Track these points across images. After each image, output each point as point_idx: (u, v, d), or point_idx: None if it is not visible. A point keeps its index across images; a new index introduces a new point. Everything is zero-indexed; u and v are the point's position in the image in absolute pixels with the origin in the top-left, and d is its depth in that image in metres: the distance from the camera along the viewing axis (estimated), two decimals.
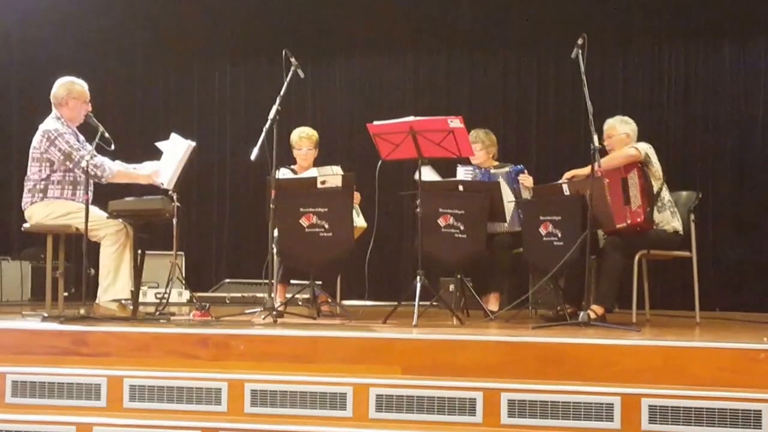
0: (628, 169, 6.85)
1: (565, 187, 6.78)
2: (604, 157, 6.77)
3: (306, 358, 5.41)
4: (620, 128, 7.19)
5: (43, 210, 6.86)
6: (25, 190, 6.96)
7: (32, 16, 10.62)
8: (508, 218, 7.44)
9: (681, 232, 7.06)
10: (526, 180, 7.58)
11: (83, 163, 6.63)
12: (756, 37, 10.17)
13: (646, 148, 6.95)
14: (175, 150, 7.20)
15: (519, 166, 7.77)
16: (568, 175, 7.08)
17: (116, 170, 6.93)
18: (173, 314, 7.09)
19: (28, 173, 6.96)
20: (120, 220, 6.73)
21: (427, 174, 7.36)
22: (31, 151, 6.94)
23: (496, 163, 7.93)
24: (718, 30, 10.23)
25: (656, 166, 6.98)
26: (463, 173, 7.77)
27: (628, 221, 6.72)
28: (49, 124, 6.95)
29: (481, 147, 7.82)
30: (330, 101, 11.22)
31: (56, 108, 7.05)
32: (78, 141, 7.06)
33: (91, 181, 6.69)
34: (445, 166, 7.74)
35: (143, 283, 7.53)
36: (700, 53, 10.36)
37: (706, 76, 10.31)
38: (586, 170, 6.81)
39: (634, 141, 7.15)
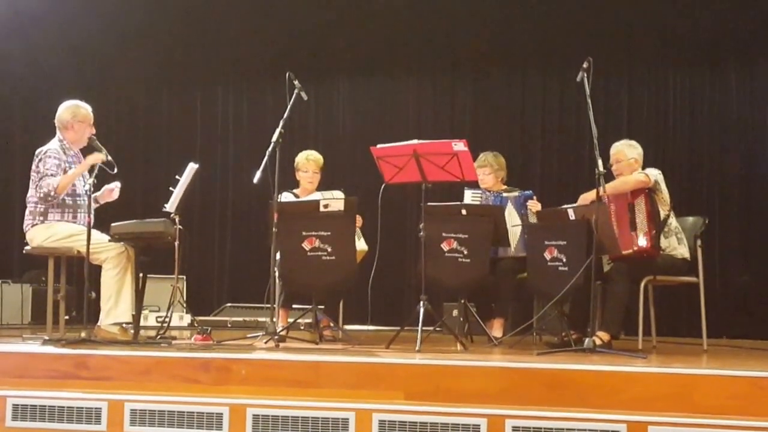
0: (636, 194, 6.82)
1: (570, 211, 6.73)
2: (608, 181, 6.71)
3: (308, 383, 5.36)
4: (628, 153, 7.13)
5: (45, 232, 6.84)
6: (26, 212, 6.96)
7: (36, 42, 10.63)
8: (514, 243, 7.40)
9: (688, 259, 7.01)
10: (535, 206, 7.52)
11: (41, 191, 6.75)
12: (762, 61, 10.16)
13: (655, 174, 6.90)
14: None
15: (528, 192, 7.73)
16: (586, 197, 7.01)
17: (57, 180, 6.81)
18: (174, 338, 7.04)
19: (28, 196, 6.94)
20: (122, 243, 6.70)
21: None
22: (31, 174, 6.93)
23: (505, 187, 7.88)
24: (724, 54, 10.24)
25: (665, 192, 6.94)
26: (470, 197, 7.72)
27: (635, 248, 6.68)
28: (46, 145, 6.95)
29: (489, 171, 7.79)
30: (333, 124, 11.24)
31: (60, 131, 7.07)
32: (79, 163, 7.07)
33: (92, 204, 6.65)
34: (448, 188, 7.71)
35: (144, 306, 7.48)
36: (706, 77, 10.35)
37: (711, 100, 10.31)
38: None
39: (641, 165, 7.11)
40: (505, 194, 7.72)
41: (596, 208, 6.35)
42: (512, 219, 7.46)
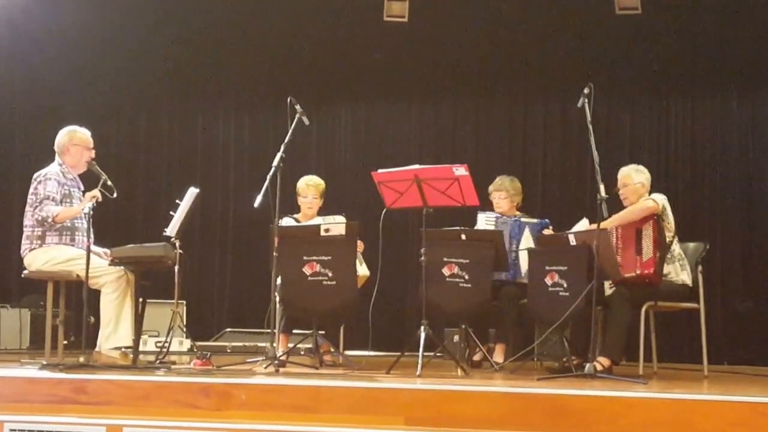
0: (645, 220, 6.80)
1: (571, 237, 6.73)
2: (610, 205, 6.68)
3: (308, 408, 5.33)
4: (636, 177, 7.13)
5: (43, 256, 6.84)
6: (24, 236, 6.96)
7: (36, 66, 10.66)
8: (525, 267, 7.39)
9: (689, 285, 6.99)
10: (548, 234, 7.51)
11: (39, 215, 6.76)
12: (763, 87, 10.18)
13: (663, 200, 6.90)
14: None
15: (546, 221, 7.71)
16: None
17: (58, 210, 6.85)
18: (174, 363, 7.01)
19: (25, 220, 6.94)
20: (121, 267, 6.68)
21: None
22: (29, 197, 6.94)
23: (519, 213, 7.86)
24: (726, 79, 10.26)
25: (670, 218, 6.93)
26: (484, 221, 7.71)
27: (637, 271, 6.66)
28: (45, 169, 6.96)
29: (505, 195, 7.80)
30: (334, 149, 11.23)
31: (59, 156, 7.10)
32: (79, 189, 7.07)
33: (91, 228, 6.63)
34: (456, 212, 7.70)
35: (144, 331, 7.46)
36: (707, 103, 10.38)
37: (713, 126, 10.33)
38: (610, 220, 6.76)
39: (647, 190, 7.11)
40: (523, 219, 7.70)
41: (597, 234, 6.35)
42: (527, 245, 7.45)
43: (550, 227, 7.66)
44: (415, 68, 10.84)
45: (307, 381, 5.63)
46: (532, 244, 7.51)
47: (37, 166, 7.16)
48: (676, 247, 6.99)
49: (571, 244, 6.68)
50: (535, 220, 7.73)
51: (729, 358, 9.08)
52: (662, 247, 6.79)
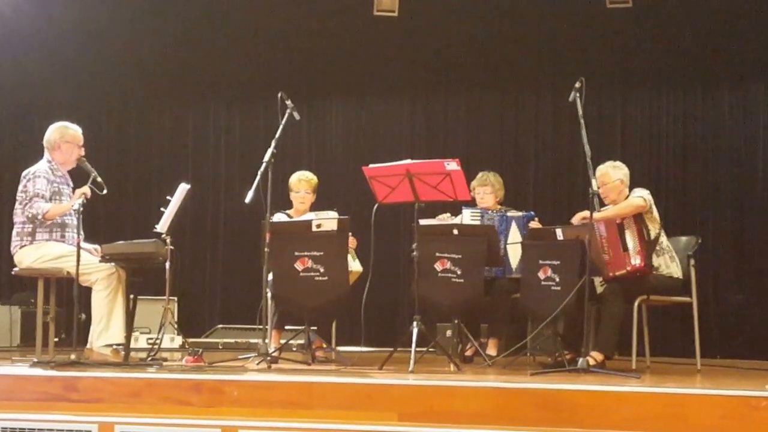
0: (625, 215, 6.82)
1: (558, 231, 6.70)
2: (600, 202, 6.69)
3: (301, 405, 5.32)
4: (614, 174, 7.13)
5: (34, 253, 6.82)
6: (14, 233, 6.94)
7: (25, 60, 10.61)
8: (515, 262, 7.38)
9: (680, 277, 7.00)
10: (536, 227, 7.49)
11: (29, 212, 6.74)
12: (754, 82, 10.17)
13: (648, 196, 6.91)
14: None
15: (530, 213, 7.71)
16: (579, 216, 7.00)
17: (48, 207, 6.83)
18: (165, 360, 6.98)
19: (15, 217, 6.91)
20: (112, 264, 6.66)
21: None
22: (17, 194, 6.92)
23: (500, 207, 7.86)
24: (717, 73, 10.26)
25: (655, 212, 6.95)
26: (469, 216, 7.69)
27: (629, 267, 6.68)
28: (34, 166, 6.94)
29: (491, 190, 7.79)
30: (326, 144, 11.21)
31: (49, 152, 7.08)
32: (68, 185, 7.04)
33: (81, 225, 6.61)
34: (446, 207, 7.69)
35: (135, 328, 7.42)
36: (699, 97, 10.36)
37: (705, 120, 10.32)
38: (600, 214, 6.75)
39: (627, 185, 7.11)
40: (509, 214, 7.69)
41: (590, 228, 6.35)
42: (514, 239, 7.45)
43: (536, 219, 7.66)
44: (405, 62, 10.82)
45: (299, 377, 5.64)
46: (519, 238, 7.50)
47: (26, 162, 7.14)
48: (663, 240, 7.00)
49: (558, 238, 6.66)
50: (519, 213, 7.72)
51: (721, 351, 9.07)
52: (647, 239, 6.80)
